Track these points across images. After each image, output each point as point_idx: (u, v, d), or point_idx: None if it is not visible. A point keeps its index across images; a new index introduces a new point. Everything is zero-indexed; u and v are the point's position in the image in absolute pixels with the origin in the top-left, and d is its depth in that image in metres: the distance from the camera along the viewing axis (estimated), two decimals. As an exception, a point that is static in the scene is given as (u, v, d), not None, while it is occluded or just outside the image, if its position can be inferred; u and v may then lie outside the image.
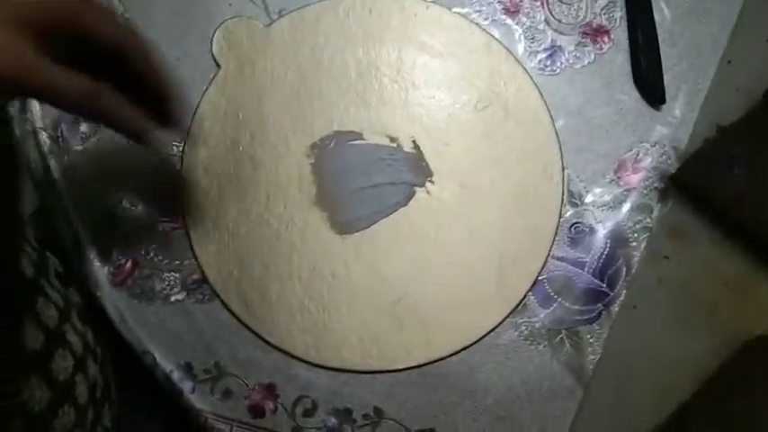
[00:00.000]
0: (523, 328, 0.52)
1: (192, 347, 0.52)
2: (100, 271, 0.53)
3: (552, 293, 0.52)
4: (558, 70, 0.56)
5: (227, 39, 0.55)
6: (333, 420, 0.50)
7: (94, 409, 0.48)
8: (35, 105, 0.55)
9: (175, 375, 0.51)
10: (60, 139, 0.55)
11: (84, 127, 0.55)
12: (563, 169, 0.54)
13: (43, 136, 0.55)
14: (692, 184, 0.52)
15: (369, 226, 0.52)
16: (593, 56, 0.56)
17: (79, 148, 0.55)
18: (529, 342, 0.52)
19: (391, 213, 0.52)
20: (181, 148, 0.54)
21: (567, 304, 0.52)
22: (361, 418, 0.50)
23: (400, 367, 0.51)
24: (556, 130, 0.54)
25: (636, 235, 0.53)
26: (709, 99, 0.55)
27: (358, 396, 0.51)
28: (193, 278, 0.53)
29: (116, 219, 0.54)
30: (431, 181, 0.53)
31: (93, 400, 0.47)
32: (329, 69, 0.55)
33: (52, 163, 0.55)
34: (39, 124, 0.55)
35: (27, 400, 0.41)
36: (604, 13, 0.57)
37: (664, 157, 0.54)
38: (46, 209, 0.54)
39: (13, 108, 0.56)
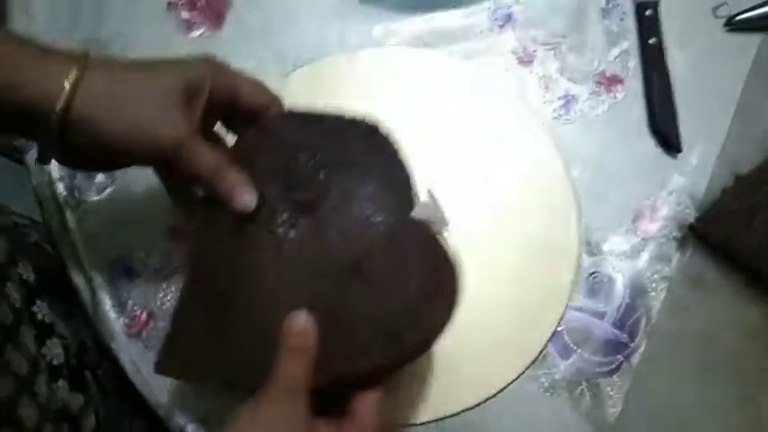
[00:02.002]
0: (543, 379, 0.51)
1: (208, 400, 0.51)
2: (115, 322, 0.53)
3: (572, 344, 0.52)
4: (573, 119, 0.56)
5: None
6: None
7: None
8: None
9: (189, 429, 0.51)
10: (76, 190, 0.55)
11: (99, 178, 0.55)
12: (580, 218, 0.54)
13: (59, 186, 0.55)
14: (713, 236, 0.51)
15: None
16: (607, 105, 0.56)
17: (95, 198, 0.55)
18: (549, 394, 0.51)
19: (408, 264, 0.52)
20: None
21: (586, 355, 0.51)
22: (379, 473, 0.49)
23: (418, 421, 0.50)
24: (572, 179, 0.54)
25: (655, 285, 0.53)
26: (725, 148, 0.55)
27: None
28: (208, 330, 0.52)
29: (131, 270, 0.53)
30: (447, 231, 0.53)
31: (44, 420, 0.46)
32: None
33: (68, 213, 0.55)
34: (55, 175, 0.56)
35: None
36: (618, 62, 0.57)
37: (681, 206, 0.54)
38: (60, 259, 0.54)
39: (30, 158, 0.56)
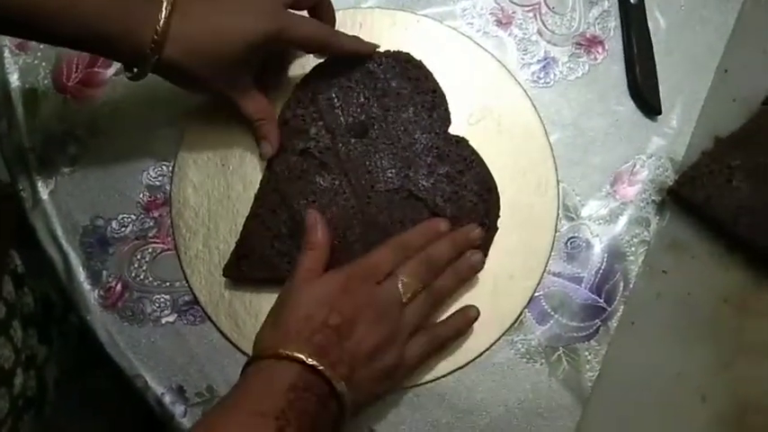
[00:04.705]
0: (520, 345, 0.51)
1: (184, 370, 0.51)
2: (90, 294, 0.52)
3: (549, 310, 0.51)
4: (552, 82, 0.55)
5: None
6: (327, 444, 0.49)
7: (13, 418, 0.47)
8: (24, 124, 0.55)
9: (167, 399, 0.51)
10: (49, 160, 0.54)
11: (72, 149, 0.54)
12: (558, 183, 0.53)
13: (31, 156, 0.54)
14: (691, 198, 0.51)
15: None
16: (587, 67, 0.55)
17: (67, 169, 0.54)
18: (525, 360, 0.51)
19: (384, 231, 0.52)
20: (171, 167, 0.54)
21: (564, 321, 0.51)
22: (356, 440, 0.50)
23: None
24: (550, 143, 0.53)
25: (633, 249, 0.52)
26: (706, 109, 0.54)
27: (352, 418, 0.50)
28: (184, 300, 0.52)
29: (105, 240, 0.53)
30: (424, 197, 0.52)
31: (12, 411, 0.47)
32: (319, 85, 0.54)
33: (40, 184, 0.54)
34: (27, 144, 0.55)
35: None
36: (598, 24, 0.56)
37: (660, 169, 0.53)
38: (33, 231, 0.54)
39: (2, 126, 0.55)
